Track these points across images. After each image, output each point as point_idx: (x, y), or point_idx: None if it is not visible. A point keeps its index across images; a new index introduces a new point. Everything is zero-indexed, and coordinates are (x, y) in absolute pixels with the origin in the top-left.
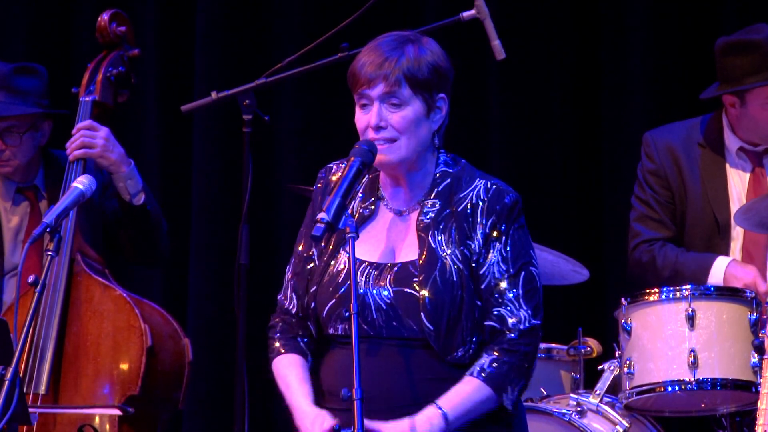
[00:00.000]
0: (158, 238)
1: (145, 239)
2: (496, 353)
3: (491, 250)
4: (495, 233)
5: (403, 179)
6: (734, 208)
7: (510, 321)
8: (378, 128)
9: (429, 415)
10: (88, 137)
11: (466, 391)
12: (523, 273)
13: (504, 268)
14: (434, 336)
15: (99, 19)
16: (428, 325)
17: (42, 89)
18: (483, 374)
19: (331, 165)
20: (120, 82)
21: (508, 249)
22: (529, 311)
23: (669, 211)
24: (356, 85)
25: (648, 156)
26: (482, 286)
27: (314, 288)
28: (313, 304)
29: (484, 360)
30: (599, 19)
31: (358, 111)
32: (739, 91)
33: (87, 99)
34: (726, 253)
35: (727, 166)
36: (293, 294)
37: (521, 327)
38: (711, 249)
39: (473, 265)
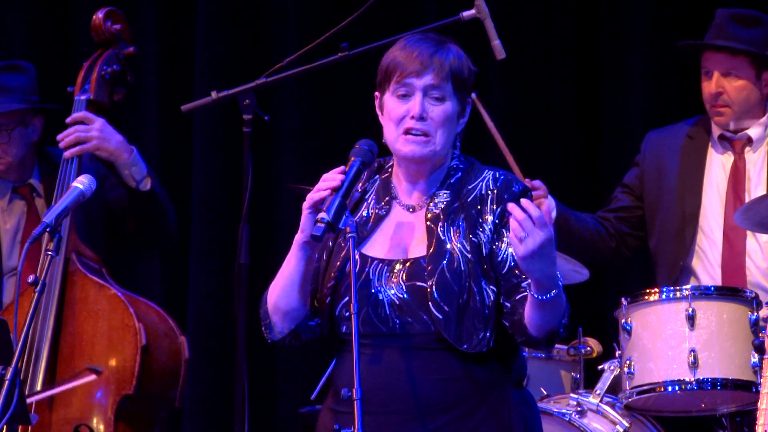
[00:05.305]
0: (169, 220)
1: (156, 223)
2: None
3: (505, 237)
4: (505, 221)
5: (423, 176)
6: (708, 195)
7: None
8: (420, 118)
9: None
10: (82, 131)
11: None
12: None
13: None
14: (443, 324)
15: (94, 17)
16: (436, 313)
17: (29, 86)
18: None
19: None
20: (115, 80)
21: None
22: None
23: (630, 197)
24: (401, 73)
25: (639, 149)
26: (503, 271)
27: (323, 284)
28: (327, 300)
29: None
30: (599, 19)
31: (394, 101)
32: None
33: (82, 98)
34: (696, 243)
35: (710, 154)
36: None
37: None
38: (683, 240)
39: (484, 253)
